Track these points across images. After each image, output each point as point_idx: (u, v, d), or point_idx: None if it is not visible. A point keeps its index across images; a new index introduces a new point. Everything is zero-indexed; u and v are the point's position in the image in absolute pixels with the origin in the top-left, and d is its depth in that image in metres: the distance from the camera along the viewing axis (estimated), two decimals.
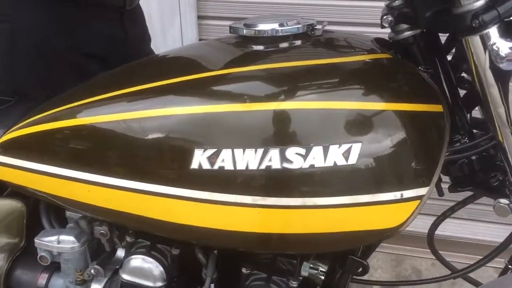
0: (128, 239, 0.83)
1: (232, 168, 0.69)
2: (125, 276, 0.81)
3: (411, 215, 0.71)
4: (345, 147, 0.68)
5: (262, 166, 0.69)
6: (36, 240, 0.89)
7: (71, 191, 0.80)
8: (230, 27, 0.83)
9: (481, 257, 0.91)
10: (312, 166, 0.68)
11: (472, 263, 0.93)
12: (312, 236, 0.72)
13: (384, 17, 0.75)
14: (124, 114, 0.76)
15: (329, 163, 0.68)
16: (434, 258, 0.95)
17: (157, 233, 0.79)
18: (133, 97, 0.76)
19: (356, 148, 0.68)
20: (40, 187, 0.84)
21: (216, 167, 0.70)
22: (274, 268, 0.80)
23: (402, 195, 0.70)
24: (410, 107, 0.73)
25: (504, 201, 0.73)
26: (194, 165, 0.71)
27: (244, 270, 0.79)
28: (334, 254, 0.84)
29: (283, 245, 0.73)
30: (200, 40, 2.05)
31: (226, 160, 0.69)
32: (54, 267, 0.92)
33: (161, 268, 0.80)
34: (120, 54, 1.14)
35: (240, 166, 0.69)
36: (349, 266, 0.82)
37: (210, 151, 0.70)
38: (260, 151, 0.68)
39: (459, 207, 0.90)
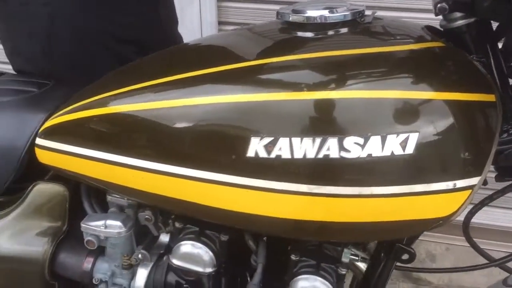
0: (177, 224, 0.84)
1: (289, 156, 0.70)
2: (175, 261, 0.82)
3: (463, 204, 0.72)
4: (402, 136, 0.68)
5: (320, 155, 0.69)
6: (82, 225, 0.89)
7: (123, 176, 0.80)
8: (278, 12, 0.83)
9: None
10: (369, 155, 0.68)
11: (507, 251, 0.94)
12: (366, 224, 0.73)
13: (439, 5, 0.75)
14: (177, 101, 0.76)
15: (387, 152, 0.69)
16: (447, 243, 0.96)
17: (207, 219, 0.80)
18: (187, 83, 0.76)
19: (413, 138, 0.69)
20: (87, 172, 0.84)
21: (273, 155, 0.70)
22: (322, 255, 0.81)
23: (455, 184, 0.71)
24: (464, 96, 0.73)
25: None
26: (251, 153, 0.71)
27: (293, 257, 0.80)
28: (381, 242, 0.85)
29: (337, 234, 0.74)
30: (219, 22, 2.03)
31: (283, 148, 0.70)
32: (99, 251, 0.93)
33: (211, 254, 0.81)
34: (155, 38, 1.14)
35: (298, 155, 0.69)
36: (395, 254, 0.83)
37: (267, 140, 0.70)
38: (318, 140, 0.69)
39: (498, 195, 0.91)
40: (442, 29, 0.80)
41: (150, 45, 1.07)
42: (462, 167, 0.71)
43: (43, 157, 0.88)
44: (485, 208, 0.92)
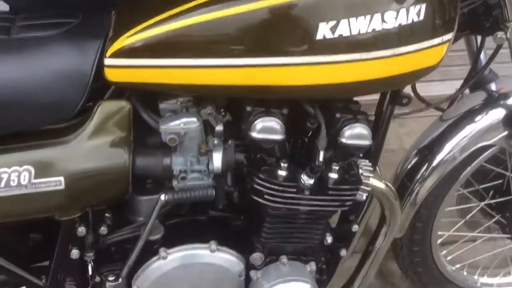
0: (248, 108, 1.04)
1: (348, 34, 0.95)
2: (255, 135, 1.04)
3: (445, 53, 1.07)
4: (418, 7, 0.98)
5: (369, 29, 0.96)
6: (162, 126, 1.04)
7: (203, 77, 0.97)
8: None
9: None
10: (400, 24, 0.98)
11: None
12: (387, 78, 1.03)
13: None
14: (250, 5, 0.94)
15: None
16: None
17: (273, 97, 1.03)
18: None
19: (424, 7, 0.99)
20: (164, 80, 0.98)
21: (336, 35, 0.95)
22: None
23: (442, 39, 1.05)
24: None
25: (501, 33, 1.13)
26: (319, 36, 0.95)
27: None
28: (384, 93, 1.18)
29: (357, 89, 1.04)
30: None
31: (343, 28, 0.95)
32: (169, 150, 1.09)
33: (281, 123, 1.04)
34: None
35: (354, 31, 0.95)
36: (397, 100, 1.16)
37: (331, 23, 0.94)
38: (368, 17, 0.95)
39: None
40: None
41: None
42: (444, 25, 1.04)
43: (115, 75, 0.98)
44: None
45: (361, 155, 1.14)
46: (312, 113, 1.07)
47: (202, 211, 1.23)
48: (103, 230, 1.13)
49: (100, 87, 1.04)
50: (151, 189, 1.15)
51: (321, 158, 1.04)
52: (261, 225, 1.14)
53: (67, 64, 0.99)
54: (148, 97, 1.11)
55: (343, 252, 1.28)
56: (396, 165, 1.45)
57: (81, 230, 1.10)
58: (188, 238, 1.15)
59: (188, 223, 1.21)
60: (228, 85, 0.98)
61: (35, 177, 1.00)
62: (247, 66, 0.96)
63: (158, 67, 0.97)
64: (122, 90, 1.07)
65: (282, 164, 1.05)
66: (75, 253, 1.13)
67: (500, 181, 1.53)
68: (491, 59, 1.32)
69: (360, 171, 1.12)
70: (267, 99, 1.05)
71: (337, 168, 1.07)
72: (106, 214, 1.16)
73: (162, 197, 1.08)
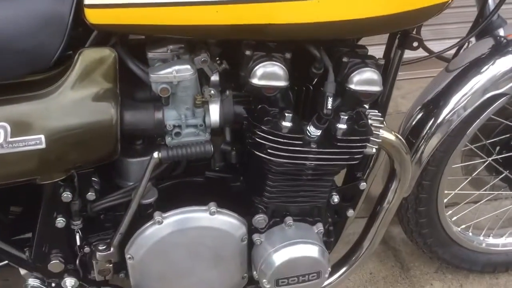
0: (247, 52, 0.94)
1: None
2: (256, 81, 0.93)
3: None
4: None
5: None
6: (152, 75, 0.93)
7: (197, 16, 0.87)
8: None
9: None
10: None
11: None
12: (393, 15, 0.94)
13: None
14: None
15: None
16: None
17: (277, 38, 0.93)
18: None
19: None
20: (149, 20, 0.87)
21: None
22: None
23: None
24: None
25: None
26: None
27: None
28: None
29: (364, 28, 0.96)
30: None
31: None
32: (161, 103, 0.99)
33: (284, 69, 0.95)
34: None
35: None
36: (406, 42, 1.07)
37: None
38: None
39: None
40: None
41: None
42: None
43: (96, 17, 0.87)
44: None
45: (369, 104, 1.06)
46: (318, 56, 0.97)
47: (198, 172, 1.13)
48: (91, 195, 1.03)
49: (81, 34, 0.93)
50: (142, 151, 1.06)
51: (329, 106, 0.95)
52: (264, 184, 1.04)
53: (41, 4, 0.87)
54: (135, 46, 1.01)
55: (350, 212, 1.20)
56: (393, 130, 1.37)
57: (66, 195, 1.00)
58: (185, 201, 1.05)
59: (184, 185, 1.11)
60: (220, 25, 0.88)
61: (12, 135, 0.89)
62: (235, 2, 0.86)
63: (143, 5, 0.86)
64: (106, 37, 0.96)
65: (286, 115, 0.96)
66: (60, 221, 1.03)
67: (508, 135, 1.46)
68: (500, 2, 1.24)
69: (370, 121, 1.04)
70: (266, 41, 0.95)
71: (345, 117, 0.98)
72: (93, 178, 1.05)
73: (155, 154, 0.97)
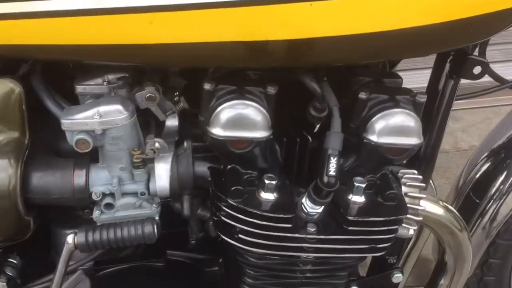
0: (207, 86, 0.61)
1: None
2: (218, 132, 0.60)
3: None
4: None
5: None
6: (64, 121, 0.63)
7: (122, 31, 0.55)
8: None
9: None
10: None
11: None
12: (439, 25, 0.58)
13: None
14: None
15: None
16: None
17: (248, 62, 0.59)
18: None
19: None
20: (46, 39, 0.56)
21: None
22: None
23: None
24: None
25: None
26: None
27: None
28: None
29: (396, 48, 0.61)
30: None
31: None
32: (87, 160, 0.68)
33: (263, 112, 0.61)
34: None
35: None
36: (463, 68, 0.70)
37: None
38: None
39: None
40: None
41: None
42: None
43: None
44: None
45: (403, 162, 0.70)
46: (318, 91, 0.63)
47: (157, 252, 0.81)
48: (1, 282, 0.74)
49: None
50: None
51: (332, 171, 0.59)
52: (241, 281, 0.70)
53: None
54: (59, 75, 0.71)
55: None
56: (451, 173, 0.99)
57: None
58: None
59: (134, 272, 0.78)
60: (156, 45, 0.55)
61: None
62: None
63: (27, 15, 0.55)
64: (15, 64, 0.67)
65: (267, 182, 0.62)
66: None
67: None
68: None
69: (404, 189, 0.68)
70: (240, 68, 0.62)
71: (362, 186, 0.63)
72: (10, 259, 0.76)
73: (69, 239, 0.66)
